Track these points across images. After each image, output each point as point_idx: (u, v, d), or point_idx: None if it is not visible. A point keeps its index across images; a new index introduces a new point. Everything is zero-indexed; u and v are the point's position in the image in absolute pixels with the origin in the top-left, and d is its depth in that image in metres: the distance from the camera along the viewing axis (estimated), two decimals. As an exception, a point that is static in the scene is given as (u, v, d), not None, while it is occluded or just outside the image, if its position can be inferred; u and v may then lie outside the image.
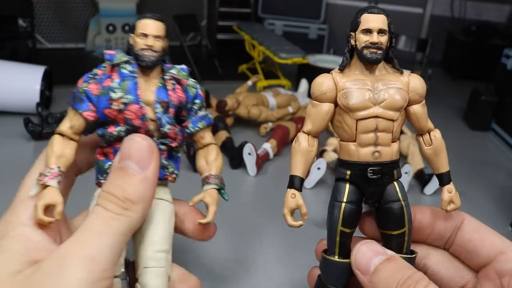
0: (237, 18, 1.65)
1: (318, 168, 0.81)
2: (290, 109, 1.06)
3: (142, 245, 0.37)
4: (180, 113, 0.39)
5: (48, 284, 0.29)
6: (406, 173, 0.79)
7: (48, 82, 1.06)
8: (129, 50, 0.38)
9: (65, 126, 0.36)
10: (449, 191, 0.39)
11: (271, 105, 1.07)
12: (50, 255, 0.31)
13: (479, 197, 0.87)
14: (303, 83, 1.19)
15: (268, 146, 0.90)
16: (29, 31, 1.41)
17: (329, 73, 0.37)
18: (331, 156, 0.86)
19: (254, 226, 0.70)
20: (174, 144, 0.38)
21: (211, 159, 0.40)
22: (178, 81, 0.38)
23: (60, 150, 0.36)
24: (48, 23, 1.59)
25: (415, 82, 0.37)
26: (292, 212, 0.37)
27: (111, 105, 0.36)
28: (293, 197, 0.37)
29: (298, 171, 0.37)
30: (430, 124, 0.39)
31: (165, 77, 0.38)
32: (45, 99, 1.04)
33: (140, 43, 0.37)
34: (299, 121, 1.02)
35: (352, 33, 0.37)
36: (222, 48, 1.66)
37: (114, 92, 0.36)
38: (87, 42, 1.60)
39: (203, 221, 0.39)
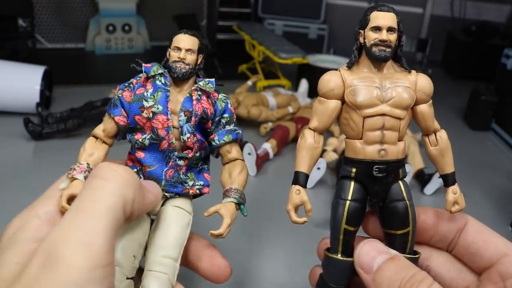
0: (237, 18, 1.65)
1: (318, 168, 0.81)
2: (290, 109, 1.06)
3: (151, 248, 0.37)
4: (207, 125, 0.40)
5: (44, 277, 0.27)
6: (406, 173, 0.80)
7: (48, 82, 1.06)
8: (165, 62, 0.40)
9: (99, 129, 0.39)
10: (454, 192, 0.38)
11: (271, 105, 1.07)
12: (42, 243, 0.29)
13: (479, 197, 0.87)
14: (303, 83, 1.19)
15: (268, 146, 0.90)
16: (29, 31, 1.40)
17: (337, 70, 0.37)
18: (331, 156, 0.86)
19: (254, 226, 0.70)
20: (190, 155, 0.39)
21: (234, 174, 0.41)
22: (207, 94, 0.39)
23: (91, 149, 0.38)
24: (48, 23, 1.59)
25: (422, 82, 0.37)
26: (296, 209, 0.37)
27: (142, 112, 0.38)
28: (297, 193, 0.36)
29: (303, 167, 0.37)
30: (436, 124, 0.38)
31: (192, 88, 0.39)
32: (45, 99, 1.04)
33: (173, 56, 0.39)
34: (299, 121, 1.02)
35: (361, 31, 0.37)
36: (222, 48, 1.66)
37: (147, 101, 0.38)
38: (87, 42, 1.60)
39: (215, 232, 0.38)
